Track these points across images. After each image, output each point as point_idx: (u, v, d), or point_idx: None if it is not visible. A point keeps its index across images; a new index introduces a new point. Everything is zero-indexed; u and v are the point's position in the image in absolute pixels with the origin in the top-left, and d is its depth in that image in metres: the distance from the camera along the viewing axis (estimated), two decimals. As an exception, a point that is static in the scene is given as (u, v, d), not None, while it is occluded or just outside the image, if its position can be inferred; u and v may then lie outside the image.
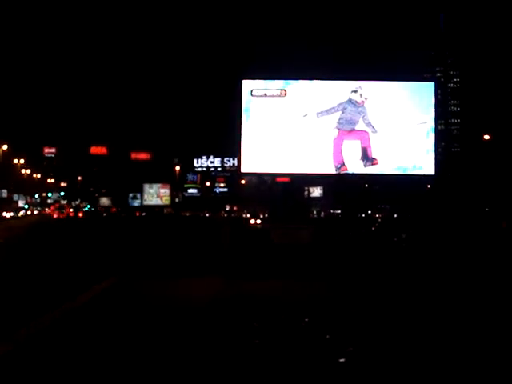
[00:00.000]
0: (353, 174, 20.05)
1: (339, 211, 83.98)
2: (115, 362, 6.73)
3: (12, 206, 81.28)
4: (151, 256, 17.90)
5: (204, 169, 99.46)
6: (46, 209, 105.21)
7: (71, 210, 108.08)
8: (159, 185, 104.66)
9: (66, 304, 10.16)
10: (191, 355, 7.05)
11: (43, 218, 74.45)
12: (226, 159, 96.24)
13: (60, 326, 8.62)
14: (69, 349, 7.27)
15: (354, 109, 19.37)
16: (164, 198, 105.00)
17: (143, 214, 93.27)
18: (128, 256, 17.58)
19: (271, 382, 6.18)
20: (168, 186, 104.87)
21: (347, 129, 19.27)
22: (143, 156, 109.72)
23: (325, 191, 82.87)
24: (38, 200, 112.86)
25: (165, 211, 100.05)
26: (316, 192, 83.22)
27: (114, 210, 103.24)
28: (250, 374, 6.36)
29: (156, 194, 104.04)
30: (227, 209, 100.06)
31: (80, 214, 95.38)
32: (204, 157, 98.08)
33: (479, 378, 6.40)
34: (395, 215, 65.80)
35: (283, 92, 19.51)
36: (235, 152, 20.61)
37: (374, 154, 19.27)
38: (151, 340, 7.77)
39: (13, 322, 8.46)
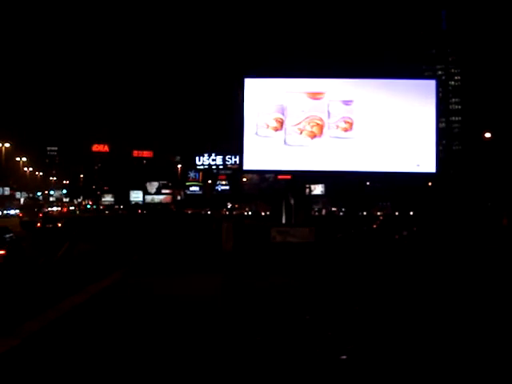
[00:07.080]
0: (354, 172, 20.06)
1: (339, 209, 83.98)
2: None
3: (13, 203, 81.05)
4: None
5: (206, 166, 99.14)
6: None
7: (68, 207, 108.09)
8: (161, 182, 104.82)
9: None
10: (194, 350, 7.18)
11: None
12: (227, 157, 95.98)
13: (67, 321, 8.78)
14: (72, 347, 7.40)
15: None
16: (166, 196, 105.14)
17: (145, 211, 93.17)
18: None
19: (274, 378, 6.28)
20: (170, 183, 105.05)
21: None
22: (145, 154, 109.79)
23: (326, 189, 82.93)
24: (41, 198, 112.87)
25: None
26: (317, 190, 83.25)
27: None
28: (252, 371, 6.46)
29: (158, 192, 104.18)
30: (229, 206, 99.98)
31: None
32: (206, 154, 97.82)
33: (479, 373, 6.48)
34: (396, 213, 65.77)
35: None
36: (237, 149, 20.60)
37: (374, 151, 19.28)
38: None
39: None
